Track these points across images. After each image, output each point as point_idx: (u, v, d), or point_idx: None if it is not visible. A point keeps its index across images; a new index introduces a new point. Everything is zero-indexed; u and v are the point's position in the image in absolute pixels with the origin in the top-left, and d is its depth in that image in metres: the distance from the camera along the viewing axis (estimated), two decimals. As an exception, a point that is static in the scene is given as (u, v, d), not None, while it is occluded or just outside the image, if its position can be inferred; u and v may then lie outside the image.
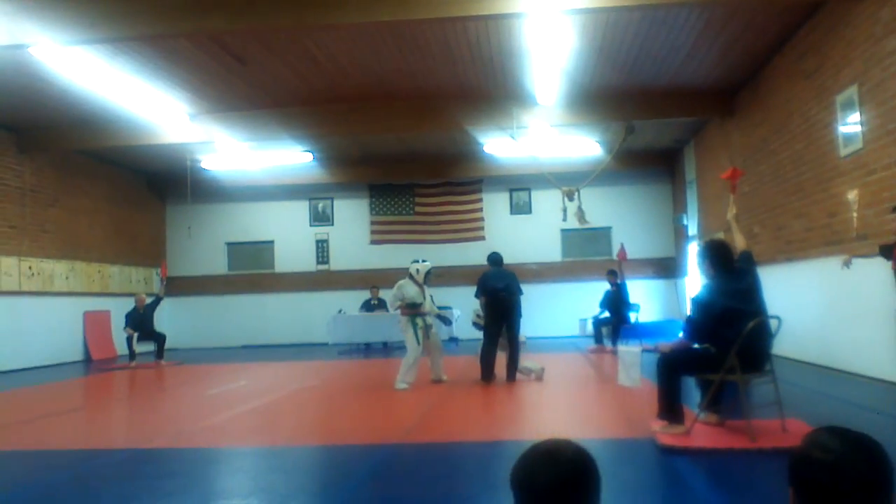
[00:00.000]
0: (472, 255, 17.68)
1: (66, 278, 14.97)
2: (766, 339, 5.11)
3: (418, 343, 9.00)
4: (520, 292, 9.48)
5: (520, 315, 9.44)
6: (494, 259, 9.81)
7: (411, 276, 9.33)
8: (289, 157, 15.88)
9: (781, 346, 6.21)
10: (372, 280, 17.26)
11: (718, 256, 5.20)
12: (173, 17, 7.96)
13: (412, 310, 9.12)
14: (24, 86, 10.73)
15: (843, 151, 8.43)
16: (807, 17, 9.11)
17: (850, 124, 8.23)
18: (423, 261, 9.59)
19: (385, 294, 16.93)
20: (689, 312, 5.35)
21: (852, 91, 8.13)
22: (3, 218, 13.22)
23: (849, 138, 8.30)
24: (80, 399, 10.16)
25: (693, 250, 15.02)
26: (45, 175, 14.39)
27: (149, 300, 14.36)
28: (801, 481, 1.47)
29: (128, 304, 14.53)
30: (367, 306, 16.65)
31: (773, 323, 5.14)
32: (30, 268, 13.86)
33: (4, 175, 13.27)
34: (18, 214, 13.63)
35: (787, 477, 1.51)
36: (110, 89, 10.85)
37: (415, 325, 9.07)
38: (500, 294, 9.32)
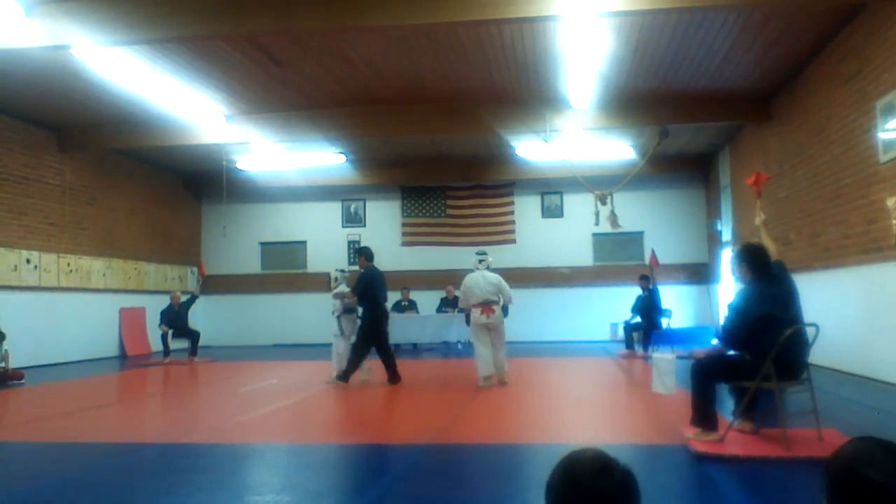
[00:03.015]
0: (503, 257, 17.64)
1: (104, 275, 15.24)
2: (802, 347, 5.03)
3: None
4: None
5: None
6: (370, 254, 9.86)
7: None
8: (322, 158, 16.01)
9: (818, 354, 6.12)
10: (403, 281, 17.31)
11: (756, 260, 5.12)
12: (212, 18, 8.07)
13: None
14: (65, 86, 10.95)
15: (883, 157, 8.28)
16: (847, 20, 8.97)
17: (891, 130, 8.09)
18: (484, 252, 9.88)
19: (416, 295, 17.05)
20: (724, 318, 5.29)
21: (893, 96, 7.99)
22: (43, 215, 13.50)
23: (889, 144, 8.16)
24: (116, 394, 10.34)
25: (727, 256, 14.85)
26: (84, 173, 14.67)
27: (184, 298, 14.58)
28: (846, 498, 1.42)
29: (163, 302, 14.77)
30: (398, 307, 16.71)
31: (810, 331, 5.06)
32: (68, 264, 14.13)
33: (46, 173, 13.55)
34: (58, 212, 13.90)
35: (826, 488, 1.46)
36: (149, 90, 11.04)
37: None
38: (383, 307, 9.68)
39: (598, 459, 1.57)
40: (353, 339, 9.68)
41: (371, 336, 9.46)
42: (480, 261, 9.47)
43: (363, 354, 9.47)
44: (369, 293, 9.47)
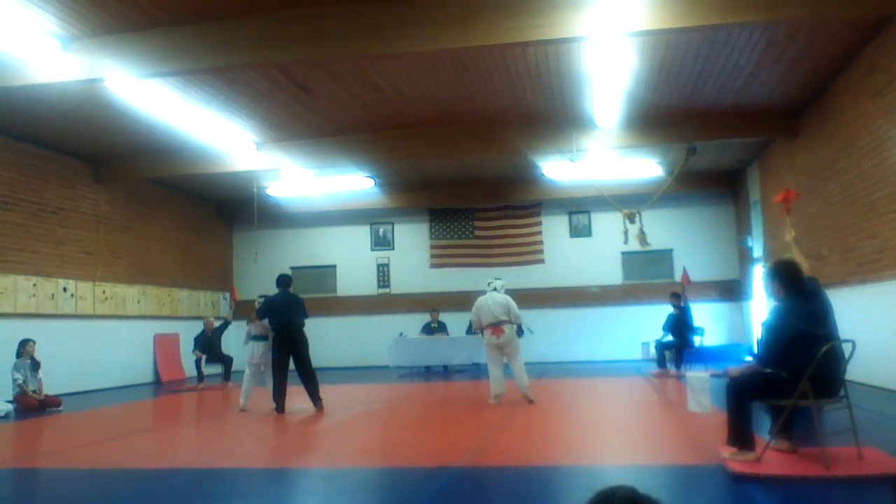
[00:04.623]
0: (532, 278, 17.68)
1: (138, 302, 15.48)
2: (839, 364, 4.96)
3: None
4: (304, 319, 9.82)
5: (306, 343, 9.68)
6: (284, 281, 9.96)
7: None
8: (351, 183, 16.17)
9: (855, 371, 6.04)
10: (432, 303, 17.38)
11: (789, 277, 5.08)
12: (242, 49, 8.23)
13: None
14: (100, 118, 11.22)
15: (917, 170, 8.19)
16: (874, 32, 8.91)
17: (924, 142, 8.00)
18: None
19: (445, 317, 17.07)
20: (758, 336, 5.23)
21: (925, 108, 7.91)
22: (79, 245, 13.78)
23: (922, 156, 8.06)
24: (151, 420, 10.46)
25: (759, 273, 14.69)
26: (119, 203, 14.96)
27: (217, 324, 14.72)
28: None
29: (196, 328, 14.94)
30: (427, 329, 16.74)
31: (846, 347, 5.00)
32: (104, 292, 14.38)
33: (81, 203, 13.84)
34: (93, 241, 14.18)
35: None
36: (181, 120, 11.27)
37: None
38: (285, 329, 9.55)
39: (630, 497, 1.60)
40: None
41: (279, 361, 9.53)
42: (489, 283, 9.92)
43: (278, 380, 9.51)
44: (269, 316, 9.64)
